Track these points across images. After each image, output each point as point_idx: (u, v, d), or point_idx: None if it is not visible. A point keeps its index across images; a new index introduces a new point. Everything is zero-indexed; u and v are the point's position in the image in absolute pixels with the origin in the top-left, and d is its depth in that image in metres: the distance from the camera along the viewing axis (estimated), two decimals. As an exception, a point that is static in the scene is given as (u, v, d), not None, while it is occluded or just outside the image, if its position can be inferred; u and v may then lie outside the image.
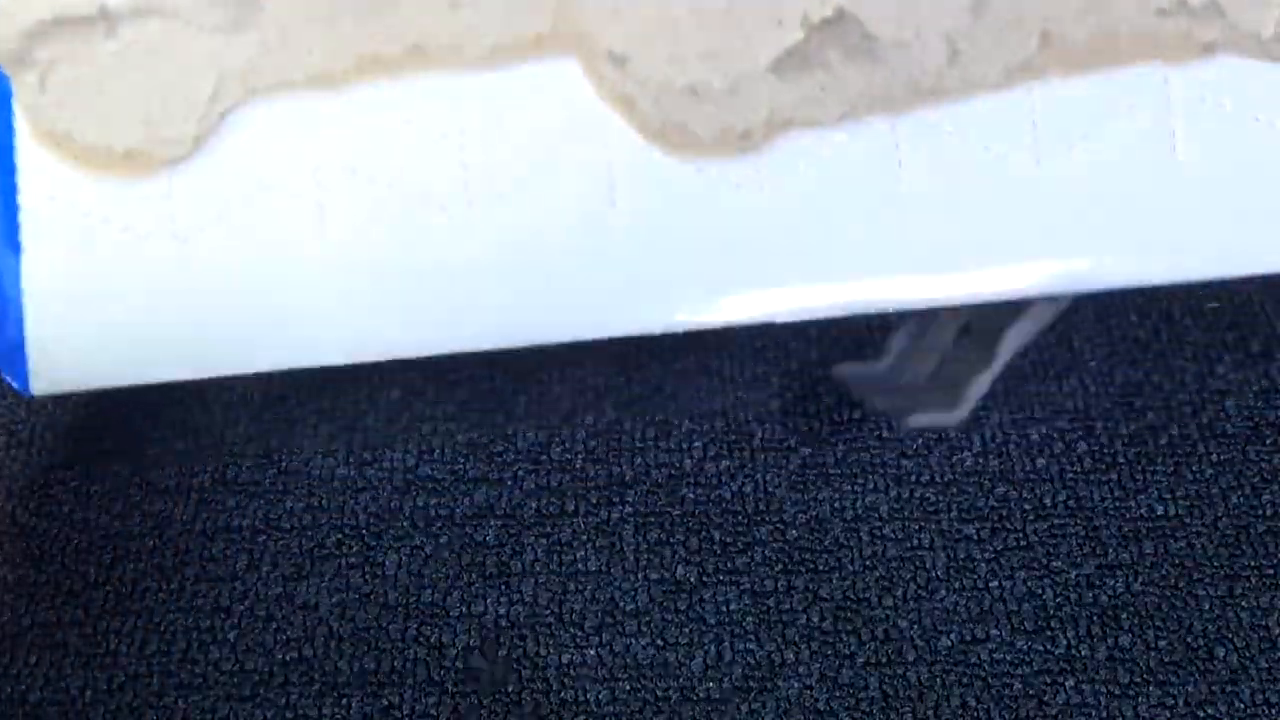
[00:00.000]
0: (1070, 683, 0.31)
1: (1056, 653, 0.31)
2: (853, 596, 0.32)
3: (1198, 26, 0.27)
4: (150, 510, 0.33)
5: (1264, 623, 0.32)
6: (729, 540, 0.34)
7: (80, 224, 0.27)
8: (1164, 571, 0.33)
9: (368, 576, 0.32)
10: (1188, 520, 0.34)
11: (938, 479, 0.35)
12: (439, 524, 0.34)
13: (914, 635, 0.32)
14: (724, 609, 0.32)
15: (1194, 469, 0.34)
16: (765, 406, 0.36)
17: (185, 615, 0.32)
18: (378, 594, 0.32)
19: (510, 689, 0.31)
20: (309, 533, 0.33)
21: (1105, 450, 0.35)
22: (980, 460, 0.34)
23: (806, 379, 0.36)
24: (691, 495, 0.34)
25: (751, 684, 0.31)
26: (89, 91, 0.27)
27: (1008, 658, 0.32)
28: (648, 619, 0.32)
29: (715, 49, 0.26)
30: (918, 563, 0.33)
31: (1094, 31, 0.27)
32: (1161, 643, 0.32)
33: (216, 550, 0.33)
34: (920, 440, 0.36)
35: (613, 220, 0.27)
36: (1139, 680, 0.31)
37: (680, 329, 0.28)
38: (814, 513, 0.34)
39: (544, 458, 0.35)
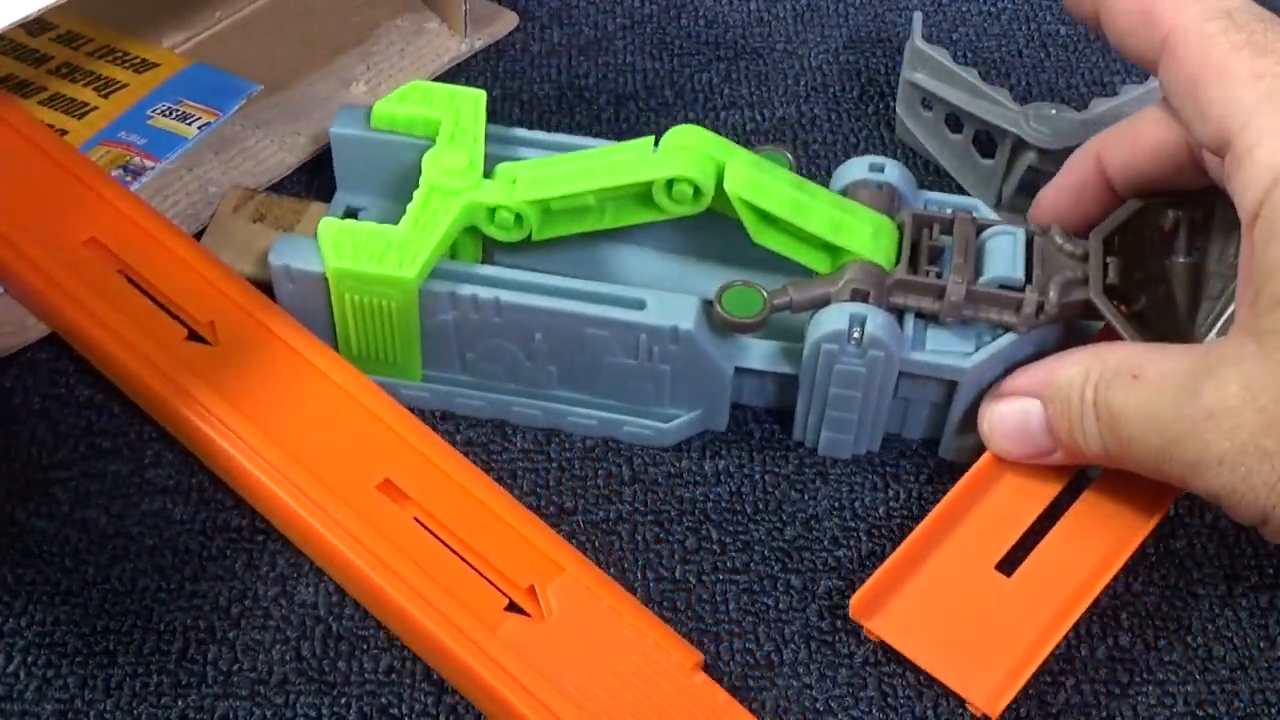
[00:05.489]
0: (1070, 682, 0.31)
1: (1057, 652, 0.31)
2: (851, 596, 0.32)
3: None
4: (150, 510, 0.33)
5: (1264, 622, 0.32)
6: (728, 540, 0.34)
7: None
8: (1164, 571, 0.33)
9: (367, 576, 0.32)
10: (1188, 520, 0.34)
11: (934, 478, 0.35)
12: (438, 524, 0.34)
13: (913, 635, 0.32)
14: (723, 608, 0.32)
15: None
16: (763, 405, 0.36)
17: (185, 615, 0.32)
18: (377, 594, 0.32)
19: (509, 689, 0.31)
20: (308, 532, 0.33)
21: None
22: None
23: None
24: (690, 495, 0.34)
25: (751, 683, 0.31)
26: None
27: (1007, 657, 0.32)
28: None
29: None
30: (917, 562, 0.33)
31: None
32: (1161, 642, 0.32)
33: (216, 550, 0.33)
34: (918, 440, 0.36)
35: None
36: (1139, 680, 0.31)
37: None
38: (811, 511, 0.34)
39: (543, 457, 0.35)
